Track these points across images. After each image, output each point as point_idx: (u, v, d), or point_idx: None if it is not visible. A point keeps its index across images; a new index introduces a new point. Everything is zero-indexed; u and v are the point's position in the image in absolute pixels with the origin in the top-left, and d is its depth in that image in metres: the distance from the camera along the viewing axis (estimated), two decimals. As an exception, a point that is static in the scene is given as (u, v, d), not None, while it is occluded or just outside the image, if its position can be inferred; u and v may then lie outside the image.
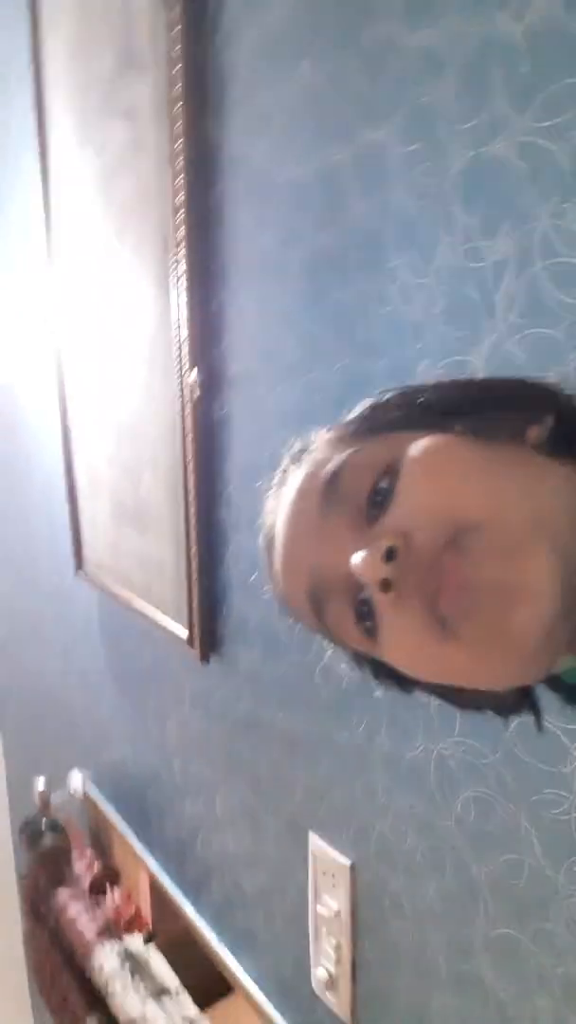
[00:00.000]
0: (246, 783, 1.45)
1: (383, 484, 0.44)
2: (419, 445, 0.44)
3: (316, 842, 1.26)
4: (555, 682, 0.51)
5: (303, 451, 0.52)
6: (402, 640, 0.43)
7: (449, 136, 0.83)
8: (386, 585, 0.41)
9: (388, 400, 0.52)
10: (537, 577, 0.39)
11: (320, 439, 0.52)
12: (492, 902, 0.95)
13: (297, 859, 1.33)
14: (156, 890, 1.86)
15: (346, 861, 1.20)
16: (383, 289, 0.94)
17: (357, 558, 0.42)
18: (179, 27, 1.19)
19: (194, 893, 1.73)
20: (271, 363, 1.17)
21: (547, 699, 0.54)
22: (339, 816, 1.21)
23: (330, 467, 0.46)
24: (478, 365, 0.84)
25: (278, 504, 0.50)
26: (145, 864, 1.88)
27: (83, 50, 1.55)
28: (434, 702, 0.96)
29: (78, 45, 1.57)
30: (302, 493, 0.48)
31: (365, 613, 0.45)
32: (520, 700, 0.52)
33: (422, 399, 0.50)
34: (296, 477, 0.49)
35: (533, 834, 0.88)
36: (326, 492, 0.46)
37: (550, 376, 0.52)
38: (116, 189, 1.50)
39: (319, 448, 0.50)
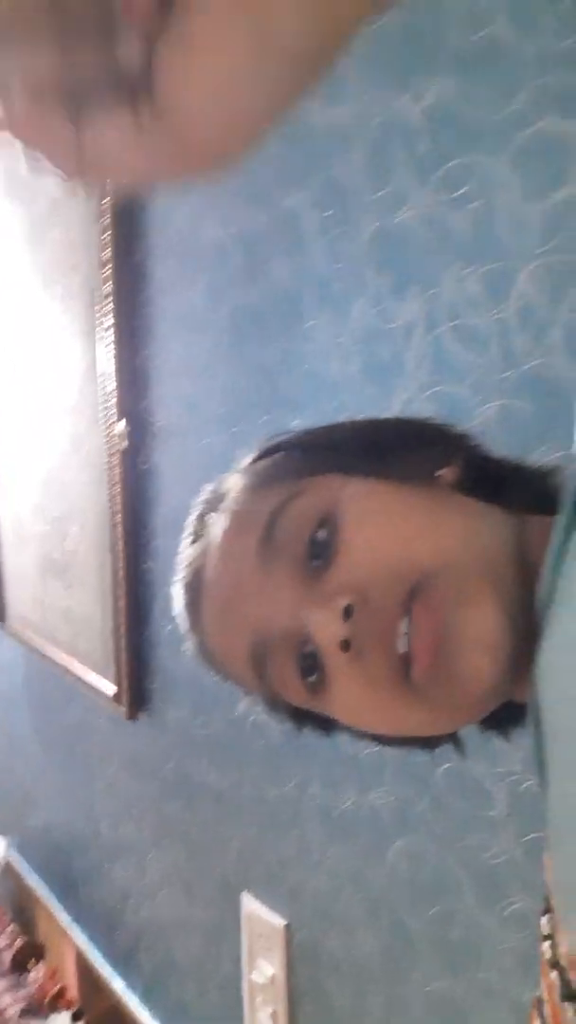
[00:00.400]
0: (178, 844, 1.41)
1: (321, 535, 0.43)
2: (355, 494, 0.43)
3: (250, 903, 1.23)
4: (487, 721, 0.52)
5: (218, 499, 0.50)
6: (358, 698, 0.43)
7: (359, 206, 0.87)
8: (345, 645, 0.40)
9: (300, 440, 0.51)
10: (489, 624, 0.40)
11: (235, 486, 0.50)
12: (427, 955, 0.95)
13: (231, 922, 1.29)
14: (83, 964, 1.76)
15: (281, 921, 1.17)
16: (302, 347, 0.97)
17: (314, 620, 0.41)
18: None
19: (123, 966, 1.65)
20: (197, 416, 1.18)
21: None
22: (273, 874, 1.18)
23: (263, 519, 0.44)
24: (397, 418, 0.87)
25: (201, 556, 0.48)
26: (71, 937, 1.78)
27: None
28: (362, 751, 0.96)
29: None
30: (233, 546, 0.46)
31: (309, 668, 0.43)
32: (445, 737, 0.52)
33: (337, 440, 0.50)
34: (220, 528, 0.47)
35: (465, 881, 0.88)
36: (262, 545, 0.44)
37: (450, 422, 0.53)
38: (44, 242, 1.51)
39: (239, 497, 0.49)
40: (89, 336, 1.37)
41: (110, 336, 1.30)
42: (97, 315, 1.33)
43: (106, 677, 1.49)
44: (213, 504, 0.50)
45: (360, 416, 0.91)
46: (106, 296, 1.29)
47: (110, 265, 1.28)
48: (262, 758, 1.16)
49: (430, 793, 0.90)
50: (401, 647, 0.40)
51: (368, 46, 0.83)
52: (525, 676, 0.42)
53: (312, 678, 0.43)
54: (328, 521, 0.43)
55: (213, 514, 0.50)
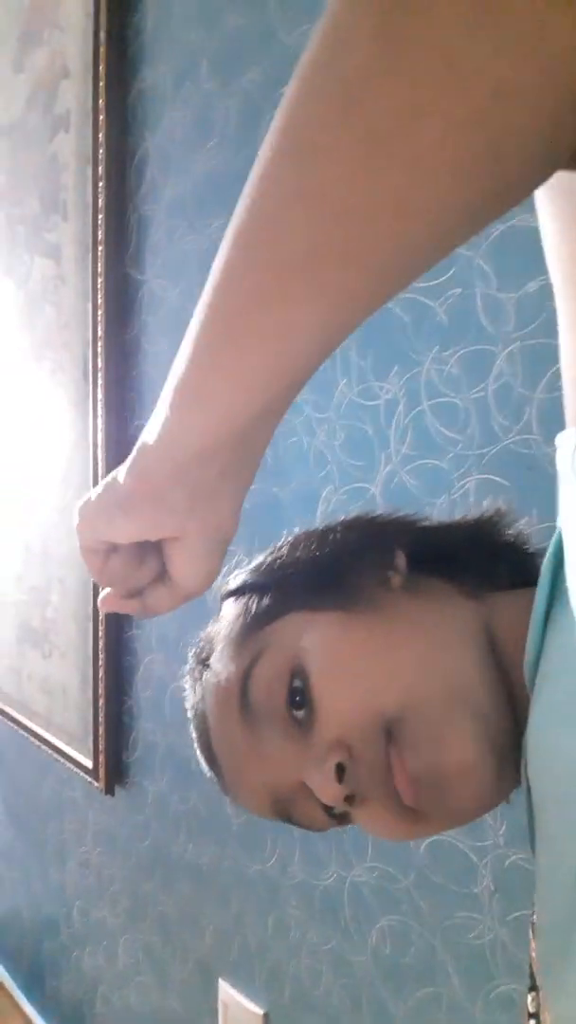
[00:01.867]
0: (152, 927, 1.36)
1: (296, 684, 0.45)
2: (314, 641, 0.45)
3: (227, 990, 1.18)
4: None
5: (202, 653, 0.53)
6: (378, 829, 0.46)
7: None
8: (350, 800, 0.43)
9: (254, 581, 0.52)
10: (467, 755, 0.41)
11: (216, 642, 0.52)
12: (411, 1044, 0.91)
13: (207, 1011, 1.23)
14: (47, 1062, 1.66)
15: (259, 1010, 1.12)
16: (290, 421, 1.01)
17: (315, 785, 0.43)
18: (103, 181, 1.30)
19: (91, 1062, 1.56)
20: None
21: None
22: (251, 958, 1.14)
23: (236, 687, 0.47)
24: (376, 492, 0.90)
25: (202, 704, 0.51)
26: (36, 1031, 1.69)
27: (11, 192, 1.65)
28: (346, 828, 0.95)
29: (7, 188, 1.67)
30: (220, 716, 0.48)
31: (335, 813, 0.46)
32: None
33: (291, 568, 0.51)
34: (210, 688, 0.49)
35: (449, 963, 0.86)
36: (242, 713, 0.46)
37: (385, 512, 0.55)
38: (38, 319, 1.56)
39: (216, 662, 0.50)
40: (80, 408, 1.41)
41: (102, 409, 1.33)
42: (89, 389, 1.36)
43: (83, 749, 1.46)
44: (202, 659, 0.53)
45: (345, 487, 0.94)
46: (98, 371, 1.33)
47: (102, 342, 1.32)
48: (243, 834, 1.13)
49: (414, 869, 0.88)
50: (393, 783, 0.43)
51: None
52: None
53: (336, 812, 0.46)
54: (298, 672, 0.45)
55: (201, 670, 0.52)
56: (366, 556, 0.49)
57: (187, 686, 0.54)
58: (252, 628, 0.49)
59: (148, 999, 1.38)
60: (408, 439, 0.86)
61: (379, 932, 0.94)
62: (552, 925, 0.40)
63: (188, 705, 0.54)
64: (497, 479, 0.78)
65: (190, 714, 0.53)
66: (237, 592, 0.53)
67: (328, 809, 0.46)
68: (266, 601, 0.49)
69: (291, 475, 1.01)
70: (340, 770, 0.42)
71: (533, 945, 0.54)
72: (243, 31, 1.05)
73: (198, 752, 0.53)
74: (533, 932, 0.53)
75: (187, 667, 0.54)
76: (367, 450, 0.91)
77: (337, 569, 0.49)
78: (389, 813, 0.43)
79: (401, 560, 0.48)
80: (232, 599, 0.53)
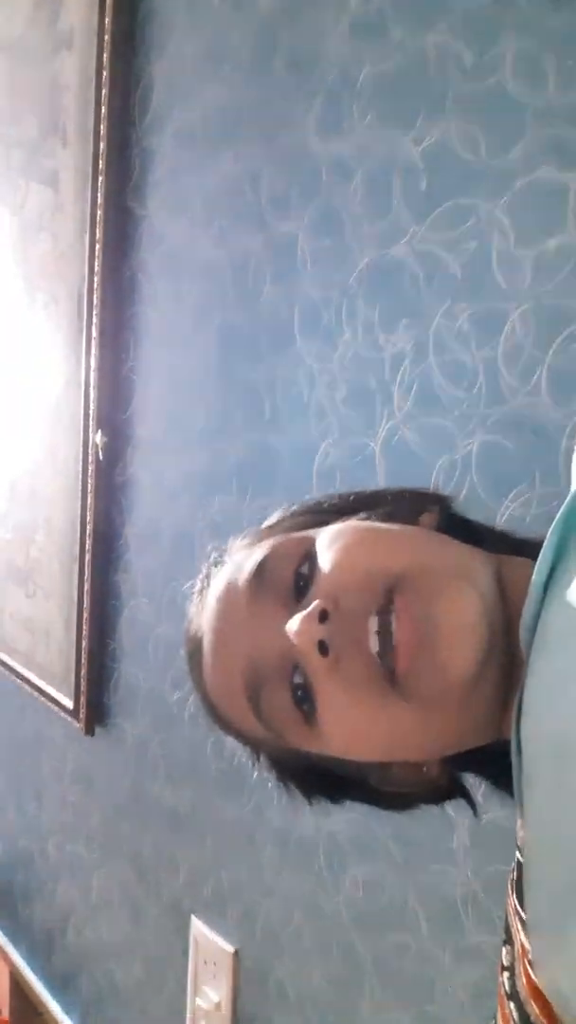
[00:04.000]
0: (127, 864, 1.38)
1: (304, 569, 0.46)
2: (331, 528, 0.47)
3: (199, 927, 1.21)
4: (480, 765, 0.52)
5: (219, 557, 0.53)
6: (344, 708, 0.43)
7: (355, 236, 0.89)
8: (323, 647, 0.41)
9: (296, 509, 0.55)
10: (467, 609, 0.41)
11: (237, 545, 0.53)
12: (378, 985, 0.94)
13: (177, 947, 1.26)
14: (18, 985, 1.71)
15: (230, 947, 1.15)
16: (291, 369, 0.98)
17: (292, 624, 0.42)
18: (105, 107, 1.24)
19: (61, 988, 1.60)
20: (179, 430, 1.18)
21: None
22: (224, 898, 1.17)
23: (254, 559, 0.47)
24: (375, 448, 0.89)
25: (202, 608, 0.51)
26: (8, 956, 1.73)
27: (8, 113, 1.57)
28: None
29: (3, 108, 1.59)
30: (228, 588, 0.48)
31: (302, 697, 0.44)
32: (451, 787, 0.53)
33: (324, 505, 0.54)
34: (220, 578, 0.50)
35: (420, 912, 0.88)
36: (253, 582, 0.46)
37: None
38: (32, 249, 1.50)
39: (238, 551, 0.52)
40: (73, 345, 1.37)
41: (95, 346, 1.30)
42: (82, 325, 1.32)
43: (64, 690, 1.46)
44: (217, 561, 0.53)
45: (344, 441, 0.93)
46: (94, 306, 1.29)
47: (99, 276, 1.28)
48: (222, 778, 1.15)
49: (391, 822, 0.90)
50: (373, 646, 0.41)
51: (375, 83, 0.85)
52: (509, 710, 0.43)
53: (306, 706, 0.44)
54: (310, 556, 0.46)
55: (215, 568, 0.52)
56: (402, 500, 0.52)
57: (197, 580, 0.54)
58: (275, 532, 0.51)
59: (120, 932, 1.41)
60: (412, 395, 0.84)
61: (352, 879, 0.96)
62: (543, 889, 0.40)
63: (193, 596, 0.54)
64: (501, 441, 0.77)
65: (191, 606, 0.53)
66: (274, 519, 0.55)
67: (296, 699, 0.44)
68: (298, 519, 0.51)
69: (289, 426, 0.99)
70: (323, 614, 0.42)
71: (509, 900, 0.55)
72: (263, -49, 0.99)
73: (186, 646, 0.52)
74: (510, 888, 0.54)
75: (204, 565, 0.55)
76: (369, 404, 0.89)
77: (372, 501, 0.52)
78: (362, 681, 0.42)
79: (435, 510, 0.50)
80: (265, 525, 0.55)
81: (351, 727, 0.44)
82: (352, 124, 0.88)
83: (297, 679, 0.44)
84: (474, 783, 0.81)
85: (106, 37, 1.22)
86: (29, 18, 1.47)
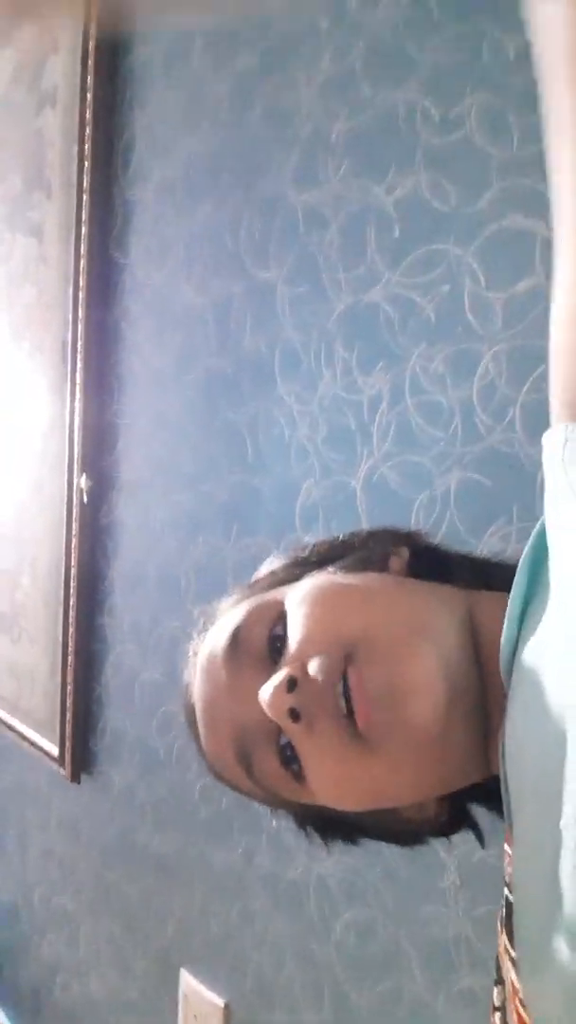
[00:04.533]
0: (115, 916, 1.35)
1: (277, 631, 0.47)
2: (299, 587, 0.48)
3: (188, 981, 1.18)
4: (483, 796, 0.53)
5: (207, 622, 0.54)
6: (323, 766, 0.44)
7: (332, 282, 0.91)
8: (294, 714, 0.42)
9: (275, 567, 0.56)
10: (422, 670, 0.42)
11: (223, 607, 0.54)
12: (371, 1035, 0.92)
13: (167, 1001, 1.23)
14: (2, 1049, 1.65)
15: (220, 1000, 1.12)
16: (272, 413, 1.00)
17: (263, 695, 0.43)
18: (88, 161, 1.27)
19: (47, 1050, 1.55)
20: (164, 473, 1.19)
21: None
22: (214, 949, 1.14)
23: (228, 630, 0.48)
24: (356, 486, 0.90)
25: (193, 675, 0.52)
26: (-8, 1018, 1.67)
27: (-8, 169, 1.61)
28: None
29: (-13, 164, 1.63)
30: (210, 657, 0.49)
31: (289, 757, 0.45)
32: (457, 818, 0.53)
33: (301, 557, 0.55)
34: (205, 645, 0.51)
35: (412, 956, 0.86)
36: (229, 651, 0.48)
37: (403, 526, 0.59)
38: (17, 298, 1.53)
39: (223, 613, 0.53)
40: (58, 391, 1.39)
41: (80, 391, 1.31)
42: (67, 371, 1.34)
43: (49, 736, 1.44)
44: (204, 627, 0.54)
45: (325, 481, 0.94)
46: (78, 352, 1.31)
47: (83, 323, 1.30)
48: (210, 824, 1.13)
49: (381, 862, 0.89)
50: (342, 707, 0.42)
51: (348, 136, 0.89)
52: (492, 744, 0.43)
53: (295, 766, 0.45)
54: (282, 617, 0.47)
55: (201, 636, 0.53)
56: (371, 544, 0.52)
57: (189, 648, 0.55)
58: (254, 591, 0.51)
59: (108, 988, 1.37)
60: (391, 435, 0.86)
61: (344, 924, 0.94)
62: (532, 912, 0.40)
63: (186, 665, 0.55)
64: (478, 478, 0.78)
65: (185, 676, 0.54)
66: (257, 575, 0.56)
67: (284, 758, 0.45)
68: (275, 576, 0.52)
69: (271, 467, 1.01)
70: (291, 682, 0.42)
71: (500, 939, 0.54)
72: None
73: (184, 715, 0.54)
74: (500, 926, 0.54)
75: (194, 632, 0.56)
76: (349, 444, 0.90)
77: (344, 550, 0.53)
78: (336, 741, 0.43)
79: (404, 552, 0.51)
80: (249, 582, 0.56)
81: (334, 782, 0.45)
82: (327, 175, 0.91)
83: (283, 740, 0.45)
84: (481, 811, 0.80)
85: (88, 95, 1.27)
86: (13, 76, 1.52)
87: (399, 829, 0.53)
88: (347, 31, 0.88)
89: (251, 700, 0.45)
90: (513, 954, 0.51)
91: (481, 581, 0.50)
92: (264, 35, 0.99)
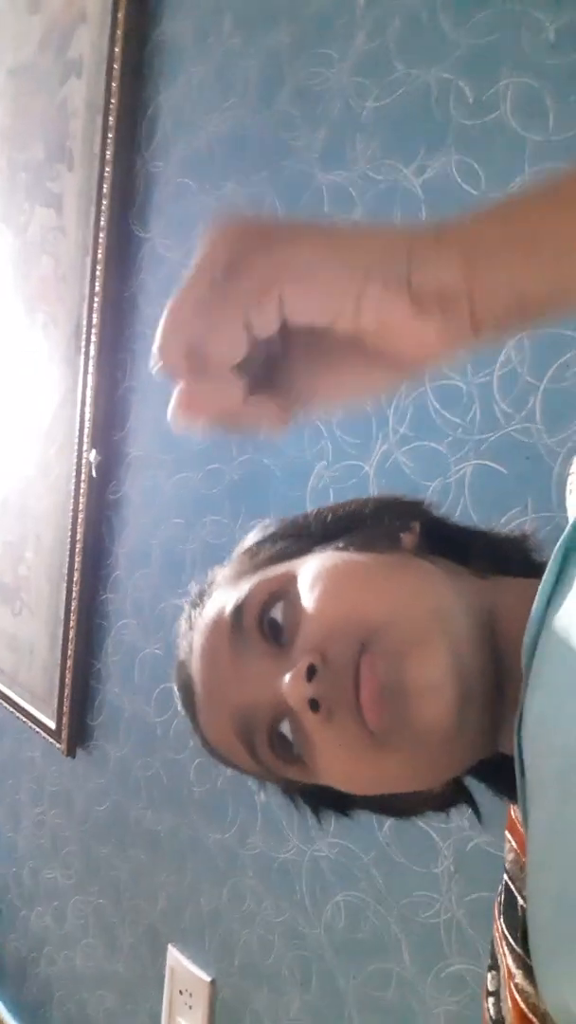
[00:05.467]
0: (104, 890, 1.35)
1: (285, 611, 0.45)
2: (310, 565, 0.46)
3: (175, 956, 1.18)
4: (480, 771, 0.52)
5: (202, 594, 0.52)
6: (336, 757, 0.44)
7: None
8: (314, 704, 0.42)
9: (273, 532, 0.53)
10: (433, 669, 0.41)
11: (220, 577, 0.52)
12: (358, 1017, 0.92)
13: (153, 976, 1.23)
14: (-15, 1018, 1.66)
15: (207, 976, 1.13)
16: (289, 391, 0.99)
17: (284, 685, 0.42)
18: (112, 133, 1.26)
19: (31, 1019, 1.55)
20: (173, 450, 1.19)
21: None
22: (203, 926, 1.14)
23: (231, 606, 0.47)
24: (370, 471, 0.89)
25: (190, 649, 0.50)
26: (-24, 987, 1.68)
27: (16, 137, 1.60)
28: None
29: (12, 131, 1.62)
30: (211, 633, 0.48)
31: (287, 743, 0.45)
32: (455, 793, 0.53)
33: (303, 527, 0.53)
34: (202, 622, 0.49)
35: (403, 940, 0.86)
36: (232, 631, 0.46)
37: (410, 494, 0.57)
38: (33, 270, 1.52)
39: (220, 585, 0.51)
40: (70, 365, 1.38)
41: (92, 366, 1.30)
42: (80, 344, 1.33)
43: (46, 710, 1.44)
44: (197, 601, 0.53)
45: (338, 464, 0.93)
46: (92, 327, 1.31)
47: (99, 297, 1.29)
48: (204, 802, 1.13)
49: (376, 847, 0.89)
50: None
51: (378, 115, 0.88)
52: (505, 728, 0.43)
53: (296, 750, 0.45)
54: (287, 595, 0.46)
55: (197, 610, 0.52)
56: (383, 517, 0.51)
57: (182, 620, 0.54)
58: (257, 566, 0.49)
59: (94, 961, 1.38)
60: (408, 419, 0.85)
61: (335, 906, 0.94)
62: (557, 897, 0.40)
63: (180, 637, 0.53)
64: (495, 466, 0.78)
65: (179, 647, 0.53)
66: (253, 542, 0.53)
67: (276, 748, 0.45)
68: (278, 546, 0.50)
69: (284, 447, 1.00)
70: (311, 671, 0.42)
71: (496, 925, 0.54)
72: (272, -11, 1.02)
73: (177, 689, 0.52)
74: (497, 912, 0.54)
75: (187, 603, 0.54)
76: (364, 428, 0.90)
77: (352, 522, 0.51)
78: (352, 735, 0.42)
79: (416, 527, 0.49)
80: (245, 549, 0.53)
81: (344, 772, 0.45)
82: (355, 154, 0.90)
83: (281, 727, 0.45)
84: (459, 807, 0.80)
85: (115, 66, 1.25)
86: (40, 44, 1.51)
87: (395, 803, 0.52)
88: (383, 8, 0.87)
89: (256, 683, 0.45)
90: (510, 940, 0.51)
91: (497, 564, 0.49)
92: (298, 12, 0.98)
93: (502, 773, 0.50)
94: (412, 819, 0.57)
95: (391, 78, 0.86)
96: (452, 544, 0.50)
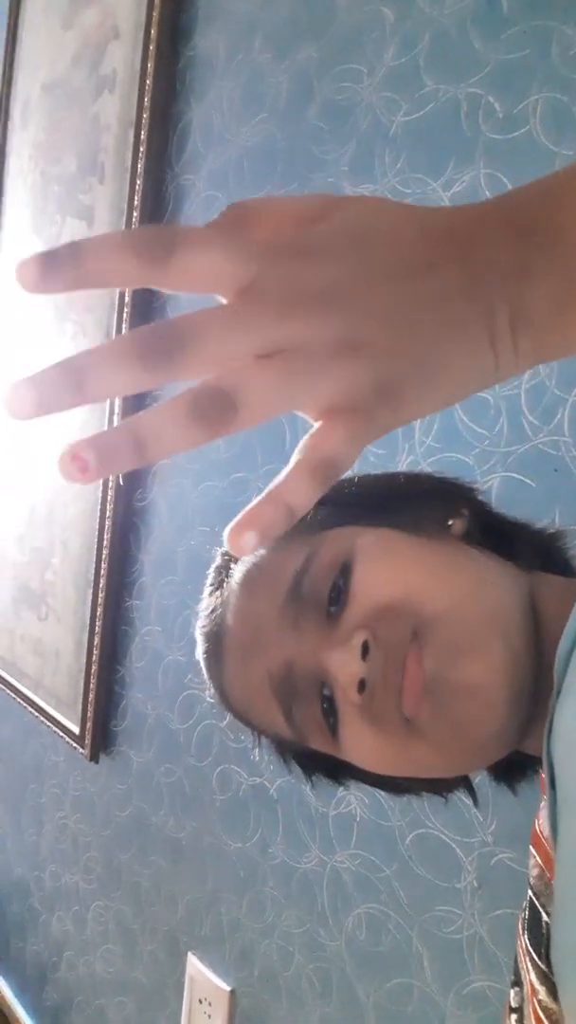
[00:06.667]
0: (125, 896, 1.36)
1: (339, 582, 0.45)
2: (367, 541, 0.46)
3: (195, 964, 1.18)
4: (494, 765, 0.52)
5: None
6: (368, 740, 0.44)
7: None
8: (362, 685, 0.42)
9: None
10: (488, 670, 0.41)
11: None
12: (377, 1032, 0.92)
13: (172, 984, 1.23)
14: (6, 1020, 1.67)
15: (226, 986, 1.13)
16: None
17: (335, 660, 0.43)
18: (143, 147, 1.28)
19: (50, 1024, 1.56)
20: (199, 459, 1.20)
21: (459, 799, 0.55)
22: (223, 935, 1.14)
23: (288, 577, 0.46)
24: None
25: (223, 606, 0.50)
26: (-3, 990, 1.69)
27: (49, 150, 1.63)
28: (333, 810, 0.95)
29: (45, 145, 1.65)
30: (257, 598, 0.47)
31: (328, 710, 0.45)
32: (456, 780, 0.53)
33: (349, 494, 0.51)
34: (242, 579, 0.48)
35: (424, 955, 0.86)
36: (289, 601, 0.45)
37: (460, 477, 0.56)
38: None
39: (263, 553, 0.49)
40: (99, 372, 1.40)
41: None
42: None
43: (71, 715, 1.46)
44: (232, 556, 0.52)
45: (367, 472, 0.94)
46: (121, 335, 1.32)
47: (128, 308, 1.31)
48: (226, 810, 1.13)
49: (398, 859, 0.88)
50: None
51: (407, 130, 0.88)
52: (536, 728, 0.43)
53: (331, 720, 0.45)
54: (345, 568, 0.45)
55: (234, 565, 0.51)
56: (433, 498, 0.50)
57: (215, 569, 0.53)
58: (309, 529, 0.48)
59: (114, 968, 1.38)
60: (434, 431, 0.85)
61: (356, 919, 0.94)
62: (572, 921, 0.40)
63: (210, 585, 0.53)
64: (522, 478, 0.78)
65: (203, 605, 0.52)
66: None
67: (325, 710, 0.45)
68: (322, 512, 0.49)
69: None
70: (365, 648, 0.41)
71: (520, 941, 0.54)
72: (303, 5, 1.04)
73: (201, 642, 0.51)
74: (521, 928, 0.53)
75: (213, 566, 0.53)
76: (390, 438, 0.90)
77: (401, 498, 0.50)
78: (385, 716, 0.42)
79: (466, 514, 0.48)
80: None
81: (371, 753, 0.45)
82: (384, 168, 0.91)
83: (326, 692, 0.45)
84: (484, 821, 0.80)
85: (147, 81, 1.28)
86: (74, 61, 1.54)
87: (394, 781, 0.52)
88: (413, 24, 0.87)
89: (306, 648, 0.44)
90: (534, 956, 0.51)
91: (542, 560, 0.49)
92: (327, 28, 1.00)
93: (513, 769, 0.50)
94: (405, 796, 0.56)
95: (421, 93, 0.86)
96: (498, 535, 0.50)
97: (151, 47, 1.27)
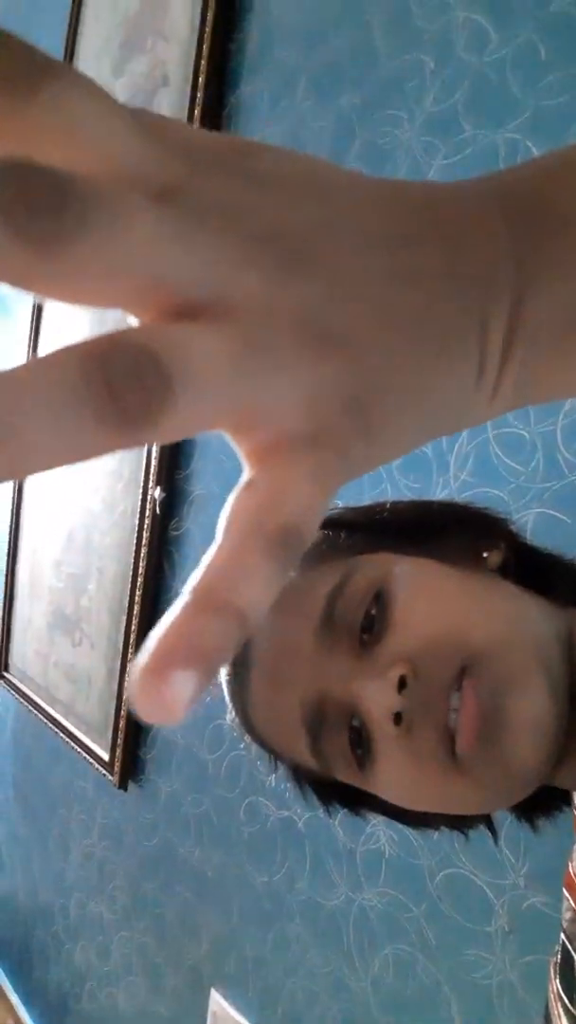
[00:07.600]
0: (149, 927, 1.35)
1: (373, 610, 0.44)
2: (405, 571, 0.45)
3: (218, 1001, 1.17)
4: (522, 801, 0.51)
5: None
6: (405, 773, 0.42)
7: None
8: (398, 718, 0.41)
9: (345, 518, 0.52)
10: (535, 707, 0.40)
11: None
12: (403, 1079, 0.89)
13: (194, 1020, 1.22)
14: (26, 1052, 1.66)
15: (248, 1024, 1.11)
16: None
17: (369, 691, 0.42)
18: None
19: (70, 1057, 1.55)
20: (233, 489, 1.21)
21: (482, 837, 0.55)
22: (247, 971, 1.13)
23: (320, 602, 0.45)
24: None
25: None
26: (19, 1018, 1.68)
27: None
28: (361, 846, 0.94)
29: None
30: (288, 622, 0.46)
31: (357, 741, 0.44)
32: (478, 816, 0.52)
33: (383, 519, 0.51)
34: (279, 598, 0.47)
35: (452, 999, 0.84)
36: (322, 627, 0.44)
37: (494, 509, 0.55)
38: (102, 312, 1.59)
39: (295, 575, 0.49)
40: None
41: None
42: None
43: (101, 742, 1.47)
44: None
45: (403, 498, 0.94)
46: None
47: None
48: (253, 843, 1.13)
49: (427, 899, 0.87)
50: (452, 722, 0.41)
51: (445, 174, 0.90)
52: (567, 763, 0.43)
53: (360, 751, 0.44)
54: (380, 596, 0.44)
55: None
56: (468, 528, 0.49)
57: None
58: (341, 553, 0.47)
59: (136, 1000, 1.37)
60: (469, 466, 0.86)
61: (383, 960, 0.92)
62: None
63: None
64: (557, 514, 0.78)
65: None
66: (328, 525, 0.51)
67: (352, 743, 0.44)
68: (356, 536, 0.48)
69: (342, 490, 1.01)
70: (402, 682, 0.40)
71: (551, 985, 0.53)
72: (345, 53, 1.07)
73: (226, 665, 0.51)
74: (553, 972, 0.52)
75: None
76: (425, 472, 0.91)
77: (436, 527, 0.49)
78: (428, 751, 0.41)
79: (502, 547, 0.48)
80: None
81: (406, 788, 0.44)
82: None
83: (354, 723, 0.44)
84: (516, 864, 0.78)
85: (195, 127, 1.32)
86: (124, 107, 1.60)
87: (415, 813, 0.50)
88: (453, 71, 0.90)
89: (339, 677, 0.44)
90: (566, 1000, 0.50)
91: (573, 594, 0.48)
92: (369, 75, 1.03)
93: (537, 806, 0.49)
94: (422, 829, 0.55)
95: (459, 137, 0.89)
96: (533, 568, 0.49)
97: (199, 94, 1.32)
